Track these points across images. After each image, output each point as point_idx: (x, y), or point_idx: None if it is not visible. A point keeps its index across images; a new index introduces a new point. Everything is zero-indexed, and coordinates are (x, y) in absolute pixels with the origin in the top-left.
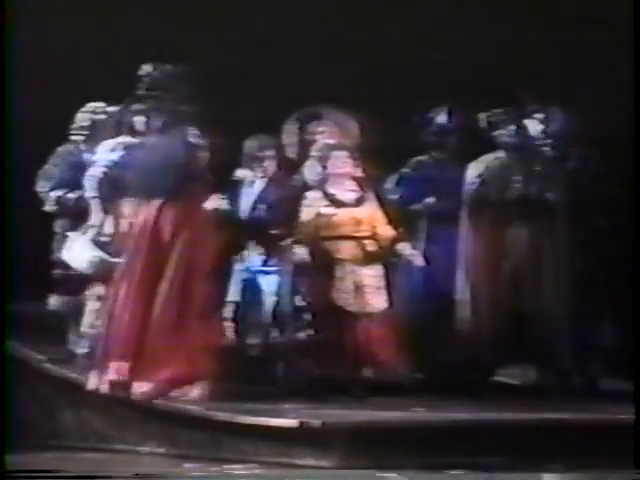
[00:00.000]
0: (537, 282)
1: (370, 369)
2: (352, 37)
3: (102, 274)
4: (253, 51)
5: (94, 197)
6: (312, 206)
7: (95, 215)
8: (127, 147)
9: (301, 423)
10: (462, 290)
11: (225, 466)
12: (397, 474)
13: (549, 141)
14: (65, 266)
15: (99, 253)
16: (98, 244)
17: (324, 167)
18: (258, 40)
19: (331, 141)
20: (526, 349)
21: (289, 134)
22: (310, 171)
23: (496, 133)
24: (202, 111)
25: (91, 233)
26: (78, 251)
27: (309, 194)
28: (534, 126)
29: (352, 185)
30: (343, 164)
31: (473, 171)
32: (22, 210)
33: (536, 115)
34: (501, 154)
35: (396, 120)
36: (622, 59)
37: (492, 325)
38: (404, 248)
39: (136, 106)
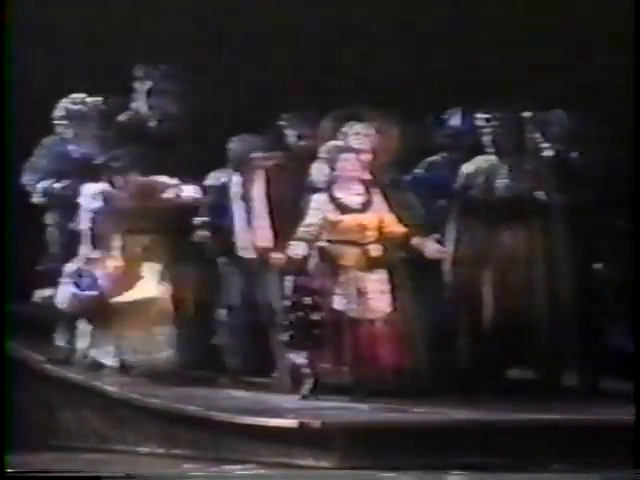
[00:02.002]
0: (536, 283)
1: (371, 372)
2: (356, 39)
3: (78, 307)
4: (255, 52)
5: (88, 229)
6: (318, 209)
7: (84, 246)
8: (108, 196)
9: (301, 423)
10: (461, 291)
11: (225, 466)
12: (397, 474)
13: (546, 142)
14: (58, 261)
15: (73, 289)
16: (73, 278)
17: (332, 169)
18: (258, 40)
19: (339, 143)
20: (526, 350)
21: (324, 131)
22: (318, 172)
23: (487, 134)
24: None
25: (73, 266)
26: (61, 287)
27: (315, 197)
28: (530, 127)
29: (359, 188)
30: (351, 166)
31: (464, 172)
32: (18, 207)
33: (533, 116)
34: (492, 156)
35: (407, 122)
36: (622, 59)
37: (492, 326)
38: (424, 243)
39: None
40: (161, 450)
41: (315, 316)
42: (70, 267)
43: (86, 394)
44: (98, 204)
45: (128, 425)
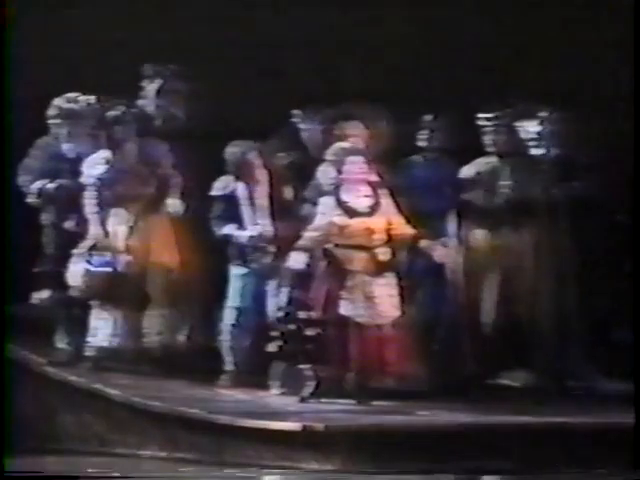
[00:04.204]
0: (536, 285)
1: (378, 377)
2: (349, 39)
3: (92, 286)
4: (254, 51)
5: (93, 213)
6: (325, 213)
7: (94, 228)
8: (108, 161)
9: (304, 427)
10: (462, 294)
11: (227, 470)
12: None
13: (544, 143)
14: (56, 262)
15: (87, 266)
16: (86, 257)
17: (339, 172)
18: (258, 39)
19: (346, 145)
20: (528, 353)
21: (313, 135)
22: (324, 175)
23: (488, 137)
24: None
25: (84, 248)
26: (72, 268)
27: (322, 200)
28: (529, 129)
29: (367, 190)
30: (359, 169)
31: (465, 175)
32: (17, 209)
33: (531, 117)
34: (493, 158)
35: (394, 121)
36: (622, 59)
37: (494, 329)
38: (432, 246)
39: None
40: (162, 453)
41: (310, 331)
42: (81, 247)
43: (87, 397)
44: (101, 169)
45: (129, 428)
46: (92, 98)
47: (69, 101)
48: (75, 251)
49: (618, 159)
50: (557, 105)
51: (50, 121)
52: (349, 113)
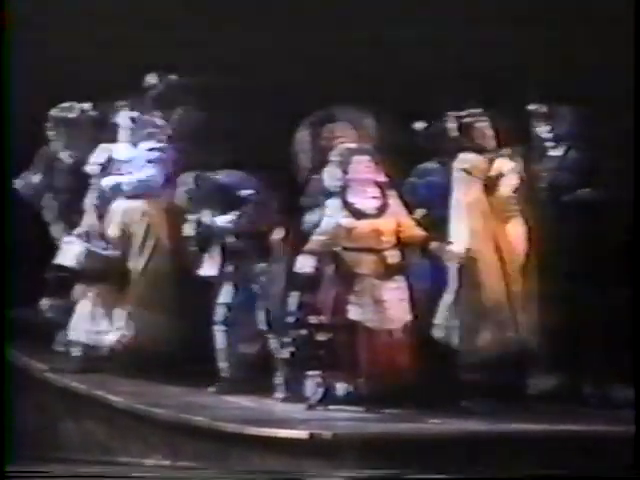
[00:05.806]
0: (547, 289)
1: (387, 383)
2: (352, 40)
3: (90, 268)
4: (253, 56)
5: (93, 205)
6: (331, 216)
7: (89, 217)
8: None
9: (311, 435)
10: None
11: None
12: None
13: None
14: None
15: (86, 245)
16: (85, 238)
17: (345, 172)
18: (258, 44)
19: (352, 145)
20: (543, 359)
21: (301, 141)
22: (330, 176)
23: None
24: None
25: (81, 229)
26: (67, 248)
27: (329, 202)
28: (538, 129)
29: (374, 191)
30: (365, 169)
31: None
32: (20, 213)
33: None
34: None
35: (401, 125)
36: (622, 58)
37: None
38: (442, 248)
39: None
40: (166, 462)
41: (321, 336)
42: (77, 231)
43: (89, 404)
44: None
45: (132, 436)
46: (88, 105)
47: (64, 110)
48: (68, 238)
49: (619, 159)
50: (562, 105)
51: (48, 131)
52: (335, 115)
